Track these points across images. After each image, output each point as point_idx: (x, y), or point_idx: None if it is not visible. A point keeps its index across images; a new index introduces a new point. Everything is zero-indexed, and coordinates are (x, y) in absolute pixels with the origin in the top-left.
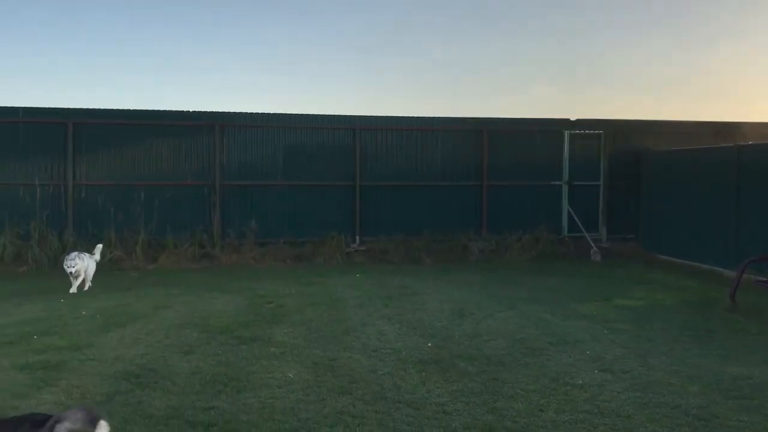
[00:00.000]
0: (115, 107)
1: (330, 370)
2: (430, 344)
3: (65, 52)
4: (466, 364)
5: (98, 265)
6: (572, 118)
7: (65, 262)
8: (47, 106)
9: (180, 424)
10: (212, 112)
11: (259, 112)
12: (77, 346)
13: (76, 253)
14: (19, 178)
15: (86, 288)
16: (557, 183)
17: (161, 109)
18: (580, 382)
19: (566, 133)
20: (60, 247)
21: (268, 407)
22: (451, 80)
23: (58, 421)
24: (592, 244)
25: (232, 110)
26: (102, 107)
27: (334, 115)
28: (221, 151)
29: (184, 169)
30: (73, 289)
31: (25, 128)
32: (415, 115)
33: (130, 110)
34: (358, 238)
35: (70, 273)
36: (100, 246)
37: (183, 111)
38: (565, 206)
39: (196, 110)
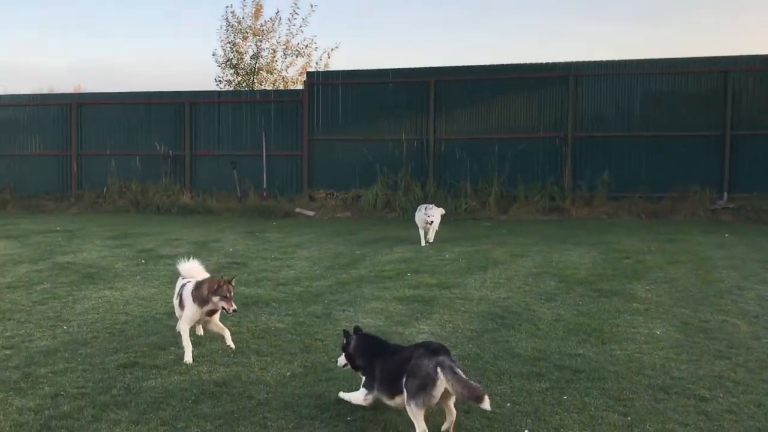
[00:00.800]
0: (470, 63)
1: (702, 331)
2: None
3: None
4: None
5: (454, 214)
6: None
7: (425, 211)
8: (412, 66)
9: (547, 366)
10: (566, 62)
11: (614, 59)
12: (445, 285)
13: (432, 205)
14: (389, 133)
15: (431, 240)
16: None
17: (515, 62)
18: None
19: None
20: (422, 197)
21: (635, 361)
22: None
23: (448, 369)
24: None
25: (585, 59)
26: (458, 64)
27: (699, 58)
28: (574, 101)
29: (537, 121)
30: (427, 240)
31: (394, 88)
32: None
33: (485, 66)
34: (725, 194)
35: (429, 223)
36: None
37: (537, 63)
38: None
39: (550, 62)
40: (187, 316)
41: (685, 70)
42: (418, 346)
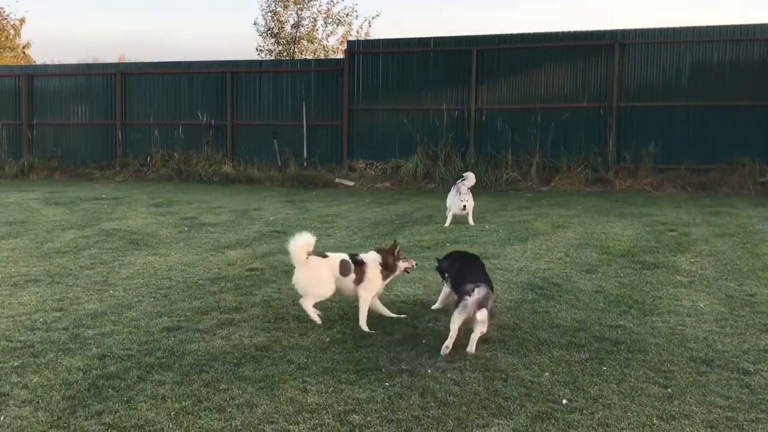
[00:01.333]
0: (513, 32)
1: (748, 305)
2: None
3: None
4: None
5: (495, 185)
6: None
7: (460, 196)
8: (454, 35)
9: (587, 337)
10: (611, 30)
11: (662, 27)
12: (485, 255)
13: (465, 185)
14: (430, 103)
15: (471, 223)
16: None
17: (558, 30)
18: None
19: None
20: (462, 167)
21: (677, 334)
22: None
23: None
24: None
25: (631, 27)
26: (501, 32)
27: (752, 25)
28: (620, 70)
29: (580, 90)
30: (467, 223)
31: (435, 57)
32: None
33: (528, 34)
34: None
35: (463, 209)
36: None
37: (582, 31)
38: None
39: (595, 29)
40: (375, 286)
41: (735, 38)
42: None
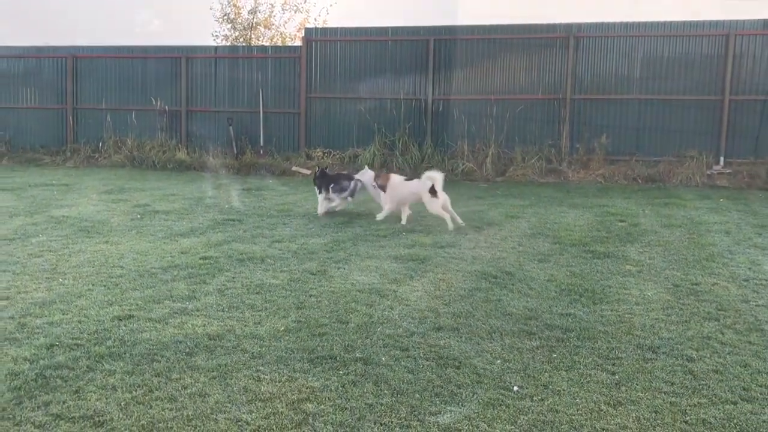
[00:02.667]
0: (470, 23)
1: (693, 293)
2: None
3: None
4: None
5: (450, 176)
6: None
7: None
8: (411, 25)
9: (538, 325)
10: (566, 24)
11: (615, 21)
12: (440, 245)
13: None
14: (387, 93)
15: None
16: None
17: (515, 23)
18: None
19: None
20: (419, 157)
21: (626, 322)
22: None
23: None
24: None
25: (586, 21)
26: (458, 24)
27: (701, 21)
28: (574, 63)
29: (536, 82)
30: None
31: (393, 46)
32: None
33: (485, 26)
34: (722, 159)
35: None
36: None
37: (537, 24)
38: None
39: (550, 23)
40: None
41: (686, 33)
42: None
